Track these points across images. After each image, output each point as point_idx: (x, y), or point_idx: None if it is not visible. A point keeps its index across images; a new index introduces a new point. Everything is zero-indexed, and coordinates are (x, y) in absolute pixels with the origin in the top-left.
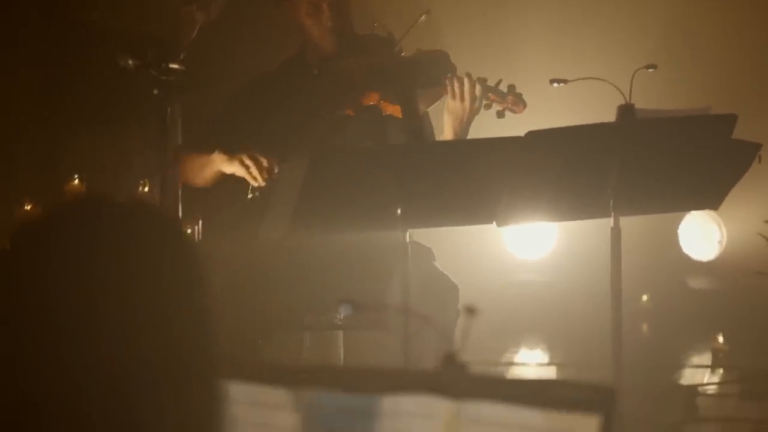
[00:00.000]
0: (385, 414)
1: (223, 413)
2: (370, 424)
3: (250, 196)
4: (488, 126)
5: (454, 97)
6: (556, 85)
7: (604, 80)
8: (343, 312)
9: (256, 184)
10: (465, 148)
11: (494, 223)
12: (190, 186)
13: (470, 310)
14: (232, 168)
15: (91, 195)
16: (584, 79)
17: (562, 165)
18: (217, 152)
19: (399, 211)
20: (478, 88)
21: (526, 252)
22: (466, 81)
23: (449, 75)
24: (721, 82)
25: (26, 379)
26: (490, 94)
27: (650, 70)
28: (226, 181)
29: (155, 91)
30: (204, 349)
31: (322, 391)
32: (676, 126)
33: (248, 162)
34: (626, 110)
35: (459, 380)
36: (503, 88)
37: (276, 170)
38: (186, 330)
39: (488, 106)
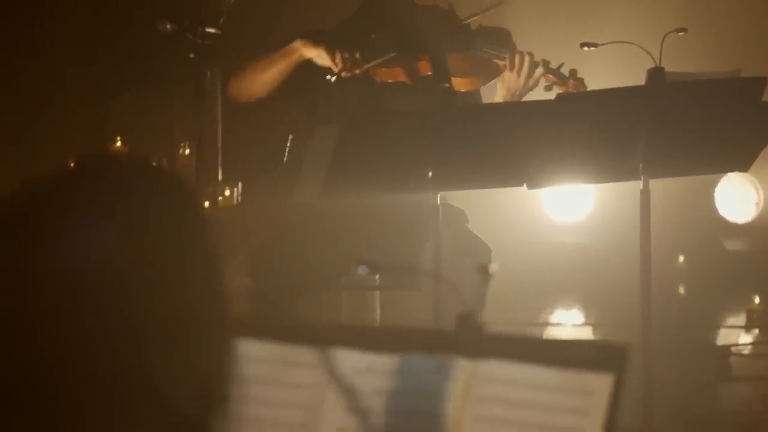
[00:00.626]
0: (402, 373)
1: (235, 372)
2: (387, 382)
3: (328, 77)
4: None
5: (512, 69)
6: (586, 48)
7: (633, 44)
8: (360, 273)
9: (337, 69)
10: (496, 112)
11: (525, 185)
12: (246, 96)
13: (485, 271)
14: (316, 52)
15: (117, 154)
16: (614, 42)
17: (592, 128)
18: (298, 40)
19: (430, 173)
20: (539, 70)
21: (564, 214)
22: (526, 57)
23: (510, 50)
24: (751, 45)
25: (38, 332)
26: (549, 76)
27: (680, 33)
28: (296, 75)
29: (191, 55)
30: (216, 309)
31: (342, 349)
32: (706, 89)
33: (335, 49)
34: (656, 73)
35: (475, 340)
36: (565, 71)
37: (359, 58)
38: (198, 291)
39: (549, 88)
